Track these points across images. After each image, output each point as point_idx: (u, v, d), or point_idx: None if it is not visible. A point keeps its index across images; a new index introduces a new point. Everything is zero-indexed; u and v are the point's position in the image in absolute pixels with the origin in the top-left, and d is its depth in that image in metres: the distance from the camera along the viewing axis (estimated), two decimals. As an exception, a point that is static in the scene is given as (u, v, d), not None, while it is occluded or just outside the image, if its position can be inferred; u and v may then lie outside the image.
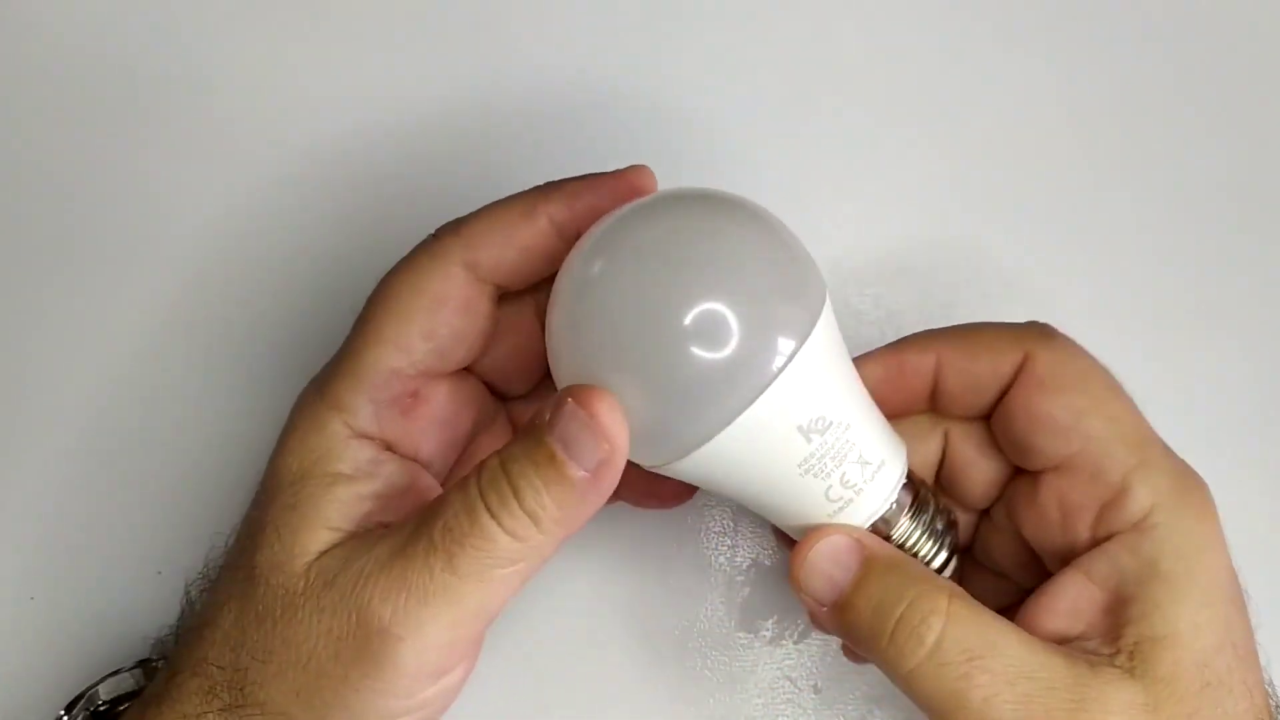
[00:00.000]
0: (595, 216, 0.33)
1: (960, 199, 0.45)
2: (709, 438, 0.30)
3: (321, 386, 0.34)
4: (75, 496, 0.42)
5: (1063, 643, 0.31)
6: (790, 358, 0.30)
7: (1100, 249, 0.44)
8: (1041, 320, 0.35)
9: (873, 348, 0.41)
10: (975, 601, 0.31)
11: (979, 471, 0.36)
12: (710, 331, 0.30)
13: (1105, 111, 0.46)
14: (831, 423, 0.31)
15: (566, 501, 0.30)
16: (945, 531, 0.34)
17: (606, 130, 0.45)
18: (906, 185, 0.45)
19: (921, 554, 0.34)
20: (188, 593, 0.36)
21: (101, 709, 0.37)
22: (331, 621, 0.30)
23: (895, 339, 0.36)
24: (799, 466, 0.32)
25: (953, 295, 0.44)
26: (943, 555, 0.34)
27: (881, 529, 0.33)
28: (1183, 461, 0.33)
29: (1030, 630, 0.31)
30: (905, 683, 0.31)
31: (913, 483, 0.34)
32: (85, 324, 0.43)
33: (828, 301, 0.32)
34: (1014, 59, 0.46)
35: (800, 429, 0.31)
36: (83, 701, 0.37)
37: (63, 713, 0.37)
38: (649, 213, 0.32)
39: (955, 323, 0.43)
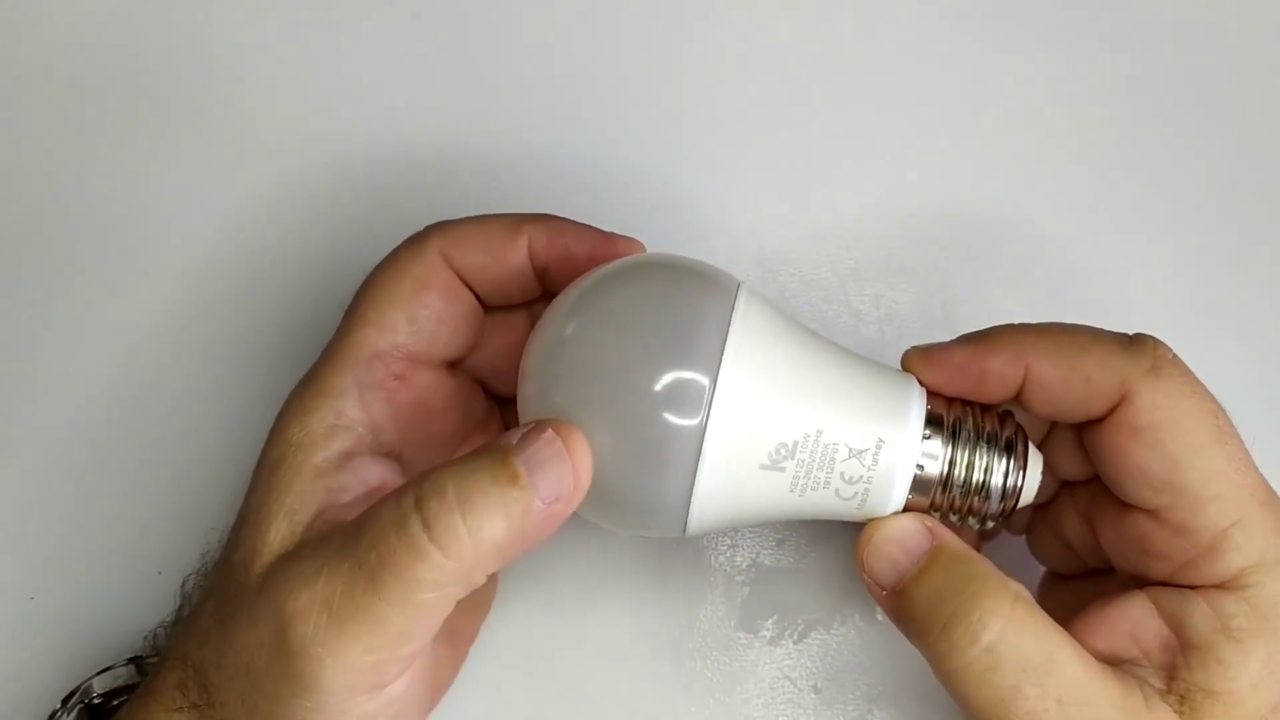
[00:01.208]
0: (569, 260, 0.34)
1: (960, 198, 0.45)
2: (686, 505, 0.30)
3: (308, 375, 0.34)
4: (75, 497, 0.42)
5: (1113, 662, 0.31)
6: (704, 426, 0.29)
7: (1102, 248, 0.44)
8: (1142, 331, 0.32)
9: (873, 348, 0.40)
10: (1040, 609, 0.30)
11: (1073, 461, 0.34)
12: (631, 415, 0.30)
13: (1107, 110, 0.46)
14: (796, 442, 0.30)
15: (514, 528, 0.28)
16: (995, 445, 0.32)
17: (612, 133, 0.45)
18: (906, 184, 0.45)
19: (980, 483, 0.32)
20: (184, 586, 0.36)
21: (96, 701, 0.37)
22: (262, 632, 0.29)
23: (980, 329, 0.32)
24: (791, 491, 0.31)
25: (953, 295, 0.44)
26: (1001, 469, 0.32)
27: (927, 487, 0.31)
28: None
29: (1082, 640, 0.30)
30: (949, 680, 0.30)
31: (937, 423, 0.32)
32: (85, 324, 0.43)
33: (732, 342, 0.30)
34: (1015, 57, 0.46)
35: (765, 467, 0.30)
36: (77, 695, 0.37)
37: (58, 707, 0.37)
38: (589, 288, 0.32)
39: (956, 320, 0.43)
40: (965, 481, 0.32)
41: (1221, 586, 0.30)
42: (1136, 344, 0.31)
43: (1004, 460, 0.32)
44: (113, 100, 0.45)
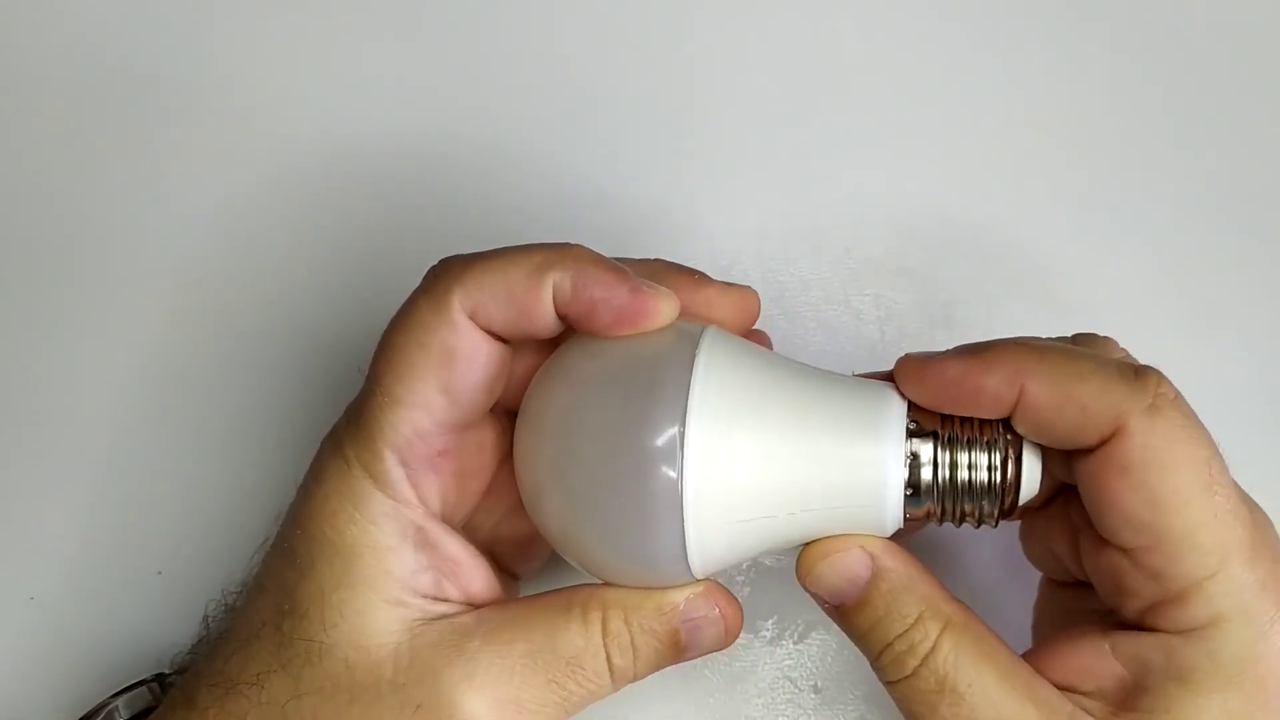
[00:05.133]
0: (592, 312, 0.32)
1: (960, 199, 0.45)
2: (684, 553, 0.30)
3: (347, 449, 0.33)
4: (75, 497, 0.42)
5: (1068, 691, 0.31)
6: (681, 474, 0.30)
7: (1101, 248, 0.44)
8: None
9: (873, 348, 0.40)
10: (977, 630, 0.30)
11: (1063, 465, 0.33)
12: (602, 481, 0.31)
13: (1106, 110, 0.46)
14: (779, 477, 0.30)
15: (661, 667, 0.33)
16: (986, 446, 0.31)
17: (613, 133, 0.45)
18: (907, 184, 0.45)
19: (974, 484, 0.31)
20: (206, 622, 0.36)
21: None
22: (430, 718, 0.31)
23: (975, 342, 0.32)
24: (786, 523, 0.31)
25: (953, 295, 0.44)
26: (996, 469, 0.31)
27: (921, 497, 0.31)
28: (1268, 568, 0.30)
29: (1041, 669, 0.31)
30: (887, 689, 0.32)
31: (922, 434, 0.31)
32: (84, 325, 0.43)
33: (696, 388, 0.30)
34: (1014, 58, 0.46)
35: (753, 502, 0.30)
36: (100, 717, 0.36)
37: None
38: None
39: (956, 320, 0.43)
40: (959, 486, 0.31)
41: (1185, 634, 0.30)
42: (1140, 378, 0.30)
43: (998, 458, 0.31)
44: (108, 102, 0.45)
